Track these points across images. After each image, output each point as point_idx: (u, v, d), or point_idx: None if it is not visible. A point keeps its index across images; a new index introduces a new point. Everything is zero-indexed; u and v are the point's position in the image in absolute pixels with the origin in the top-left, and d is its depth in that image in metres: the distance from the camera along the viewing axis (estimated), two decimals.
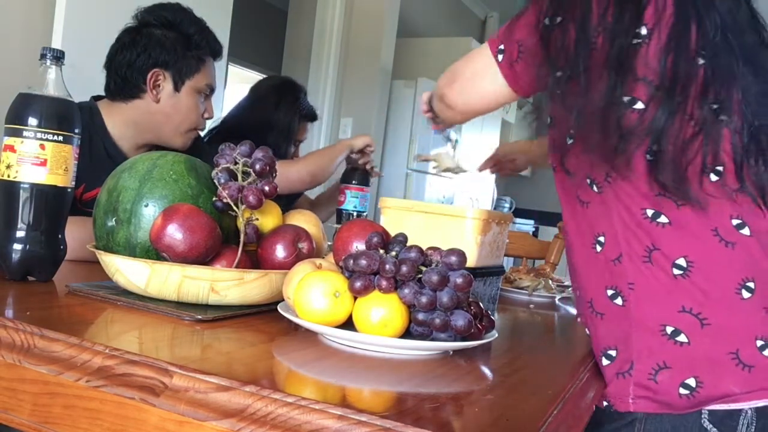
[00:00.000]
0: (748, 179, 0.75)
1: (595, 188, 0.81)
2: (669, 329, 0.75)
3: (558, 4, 0.77)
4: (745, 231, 0.76)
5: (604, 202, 0.81)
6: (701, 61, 0.74)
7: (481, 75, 0.87)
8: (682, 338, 0.75)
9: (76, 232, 0.95)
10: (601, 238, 0.81)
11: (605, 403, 0.80)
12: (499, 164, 1.48)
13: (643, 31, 0.74)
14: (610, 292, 0.80)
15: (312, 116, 1.93)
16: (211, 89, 1.37)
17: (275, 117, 1.83)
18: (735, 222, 0.76)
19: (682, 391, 0.74)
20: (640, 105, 0.75)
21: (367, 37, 3.62)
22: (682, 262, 0.75)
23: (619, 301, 0.80)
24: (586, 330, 0.88)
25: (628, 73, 0.74)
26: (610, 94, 0.74)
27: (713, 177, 0.75)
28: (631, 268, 0.78)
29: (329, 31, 3.59)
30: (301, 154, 1.95)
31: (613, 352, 0.80)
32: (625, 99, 0.75)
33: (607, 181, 0.80)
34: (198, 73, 1.32)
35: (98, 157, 1.27)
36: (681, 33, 0.73)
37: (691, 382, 0.74)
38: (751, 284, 0.75)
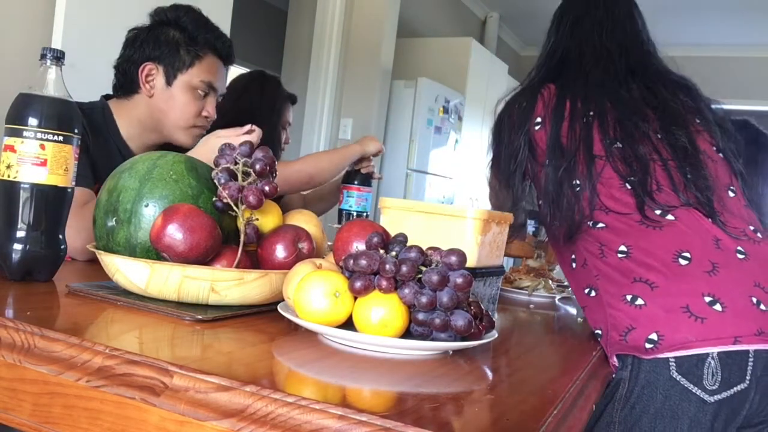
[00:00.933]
0: (649, 213, 0.96)
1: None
2: (629, 297, 0.93)
3: (493, 132, 1.16)
4: (670, 217, 0.96)
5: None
6: (580, 130, 1.02)
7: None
8: (639, 302, 0.92)
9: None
10: (573, 256, 1.05)
11: (613, 376, 0.94)
12: None
13: (539, 119, 1.08)
14: (586, 290, 1.02)
15: (294, 98, 2.04)
16: (211, 87, 1.36)
17: (263, 102, 1.92)
18: (658, 212, 0.96)
19: (647, 345, 0.89)
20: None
21: (367, 37, 3.61)
22: (623, 248, 0.96)
23: (593, 293, 1.00)
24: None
25: (534, 151, 1.07)
26: (519, 168, 1.09)
27: (607, 215, 0.99)
28: (594, 265, 1.00)
29: (329, 31, 3.58)
30: (299, 151, 1.96)
31: (599, 331, 0.98)
32: (545, 162, 1.04)
33: None
34: (192, 68, 1.32)
35: (114, 156, 1.28)
36: (559, 110, 1.05)
37: (654, 336, 0.89)
38: (686, 254, 0.92)
